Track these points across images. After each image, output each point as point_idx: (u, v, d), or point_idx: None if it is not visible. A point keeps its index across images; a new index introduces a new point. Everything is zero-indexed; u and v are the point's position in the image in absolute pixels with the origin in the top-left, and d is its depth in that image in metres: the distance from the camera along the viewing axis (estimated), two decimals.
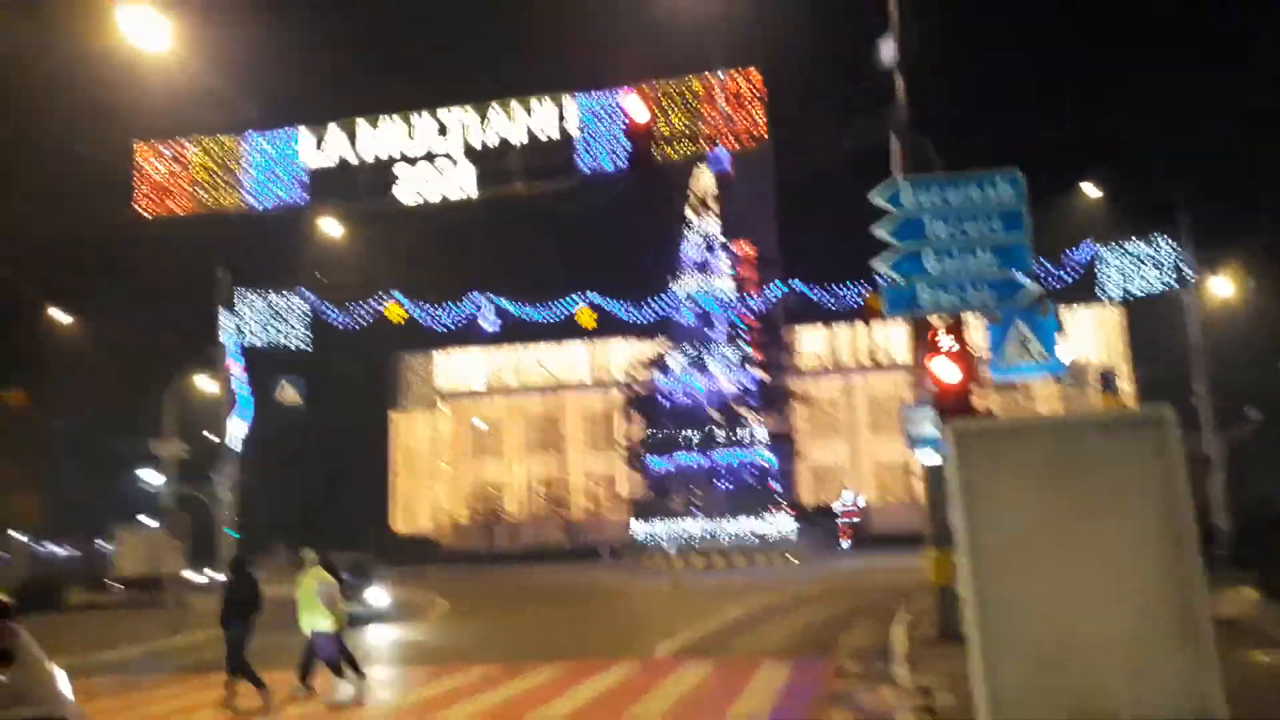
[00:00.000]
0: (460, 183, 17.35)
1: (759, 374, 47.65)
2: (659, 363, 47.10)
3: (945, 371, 10.84)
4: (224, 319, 30.52)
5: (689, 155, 17.19)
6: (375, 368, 69.71)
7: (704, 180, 47.88)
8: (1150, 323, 45.57)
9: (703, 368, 45.57)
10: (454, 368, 70.87)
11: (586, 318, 32.49)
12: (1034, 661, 6.07)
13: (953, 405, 10.66)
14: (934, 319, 11.61)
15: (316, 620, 12.48)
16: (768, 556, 40.92)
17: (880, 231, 11.31)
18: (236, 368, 36.82)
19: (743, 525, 42.85)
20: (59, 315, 42.98)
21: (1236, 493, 27.72)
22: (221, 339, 30.51)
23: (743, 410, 45.96)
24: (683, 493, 45.54)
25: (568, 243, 72.82)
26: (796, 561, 40.58)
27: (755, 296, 49.44)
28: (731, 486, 44.22)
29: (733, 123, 16.96)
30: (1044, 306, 11.04)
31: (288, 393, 31.86)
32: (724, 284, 46.74)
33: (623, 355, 61.02)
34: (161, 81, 20.52)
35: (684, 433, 44.74)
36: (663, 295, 45.20)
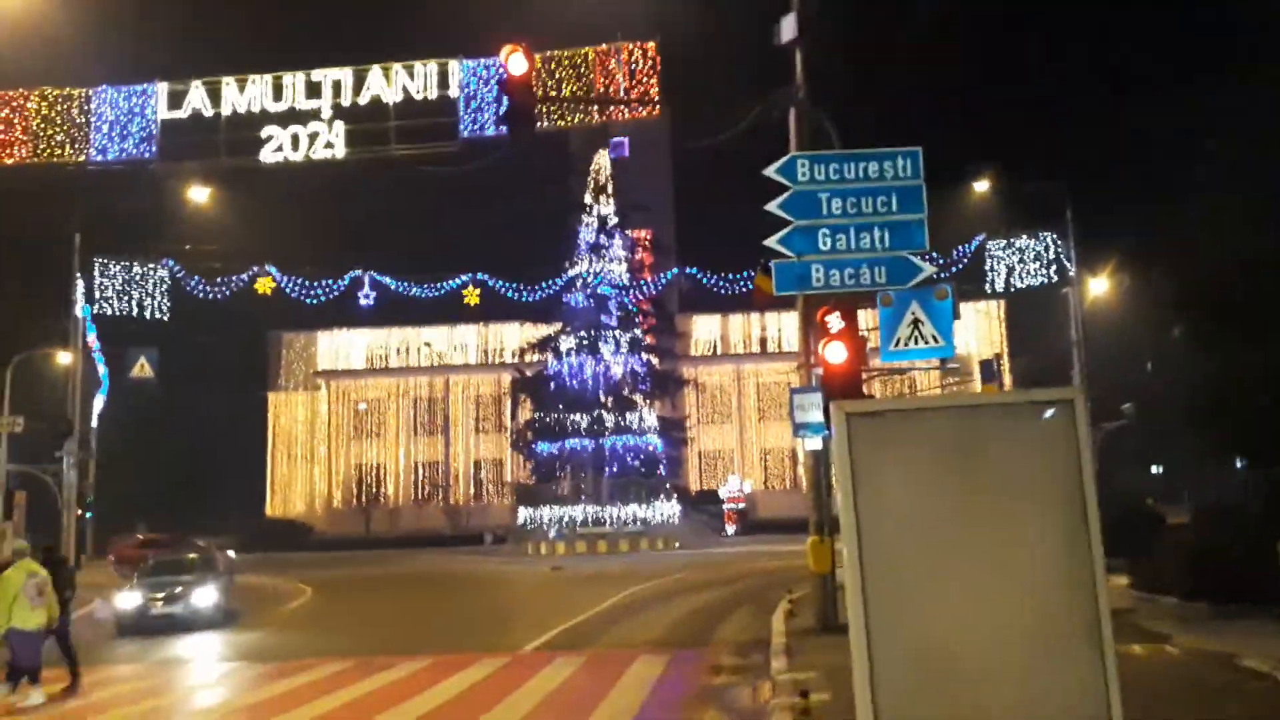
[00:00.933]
0: (330, 144, 16.17)
1: (650, 359, 47.14)
2: (549, 346, 46.15)
3: (834, 353, 10.35)
4: (79, 288, 28.42)
5: (578, 125, 16.38)
6: (251, 345, 66.86)
7: (600, 162, 47.09)
8: (1029, 317, 46.89)
9: (594, 352, 44.81)
10: (335, 347, 68.46)
11: (470, 295, 31.43)
12: (921, 661, 5.54)
13: (841, 388, 10.18)
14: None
15: (18, 617, 11.34)
16: (651, 542, 40.55)
17: (774, 206, 10.79)
18: (91, 339, 34.48)
19: (628, 511, 42.32)
20: None
21: (1107, 484, 28.47)
22: (76, 310, 28.34)
23: (633, 395, 45.41)
24: (569, 477, 44.79)
25: (455, 220, 71.04)
26: (678, 546, 40.35)
27: (649, 281, 48.92)
28: (619, 472, 43.64)
29: (625, 93, 16.25)
30: (940, 290, 10.66)
31: (143, 368, 29.93)
32: (618, 268, 46.05)
33: (514, 338, 59.87)
34: (10, 28, 18.69)
35: (572, 417, 43.90)
36: (555, 278, 44.24)
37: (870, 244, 10.47)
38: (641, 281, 46.94)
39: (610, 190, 46.64)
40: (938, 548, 5.60)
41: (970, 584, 5.55)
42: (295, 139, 16.26)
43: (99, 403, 58.40)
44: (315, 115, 16.32)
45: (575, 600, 21.17)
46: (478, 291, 31.23)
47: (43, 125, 16.53)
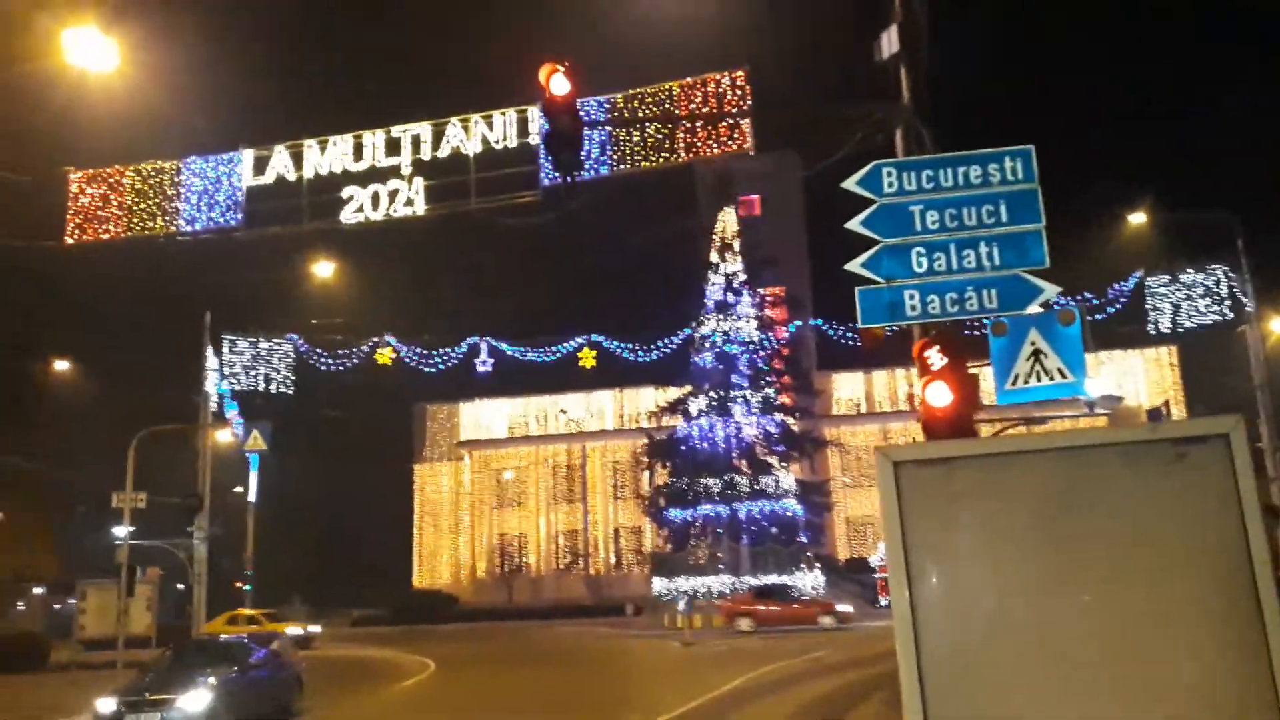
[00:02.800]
0: (410, 201, 15.62)
1: (785, 419, 45.15)
2: (678, 408, 44.86)
3: (936, 395, 8.63)
4: (210, 364, 29.07)
5: (666, 164, 15.31)
6: (393, 417, 68.35)
7: (725, 219, 46.08)
8: (1207, 362, 42.66)
9: (724, 413, 43.23)
10: (476, 417, 69.20)
11: (588, 358, 30.66)
12: None
13: (947, 438, 8.43)
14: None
15: None
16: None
17: (856, 224, 9.22)
18: (232, 415, 35.38)
19: (768, 581, 40.08)
20: (56, 364, 42.10)
21: None
22: (207, 385, 28.94)
23: (767, 458, 43.46)
24: (705, 545, 43.02)
25: (569, 279, 70.94)
26: (831, 621, 37.76)
27: (781, 339, 47.14)
28: (756, 539, 41.59)
29: (714, 129, 15.10)
30: (1065, 314, 8.83)
31: (257, 441, 30.37)
32: (746, 326, 44.51)
33: (649, 402, 58.96)
34: (106, 105, 19.21)
35: (704, 481, 42.28)
36: (672, 336, 43.01)
37: (976, 263, 8.74)
38: (766, 338, 45.12)
39: (737, 248, 45.43)
40: (1031, 645, 3.94)
41: (1081, 697, 3.86)
42: (375, 198, 15.86)
43: (253, 479, 60.56)
44: (395, 173, 15.91)
45: (694, 682, 19.51)
46: (594, 354, 30.45)
47: (136, 200, 16.70)
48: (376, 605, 60.03)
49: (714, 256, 45.07)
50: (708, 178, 53.72)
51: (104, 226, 16.71)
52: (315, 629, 40.71)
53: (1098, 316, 31.27)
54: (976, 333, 10.32)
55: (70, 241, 16.74)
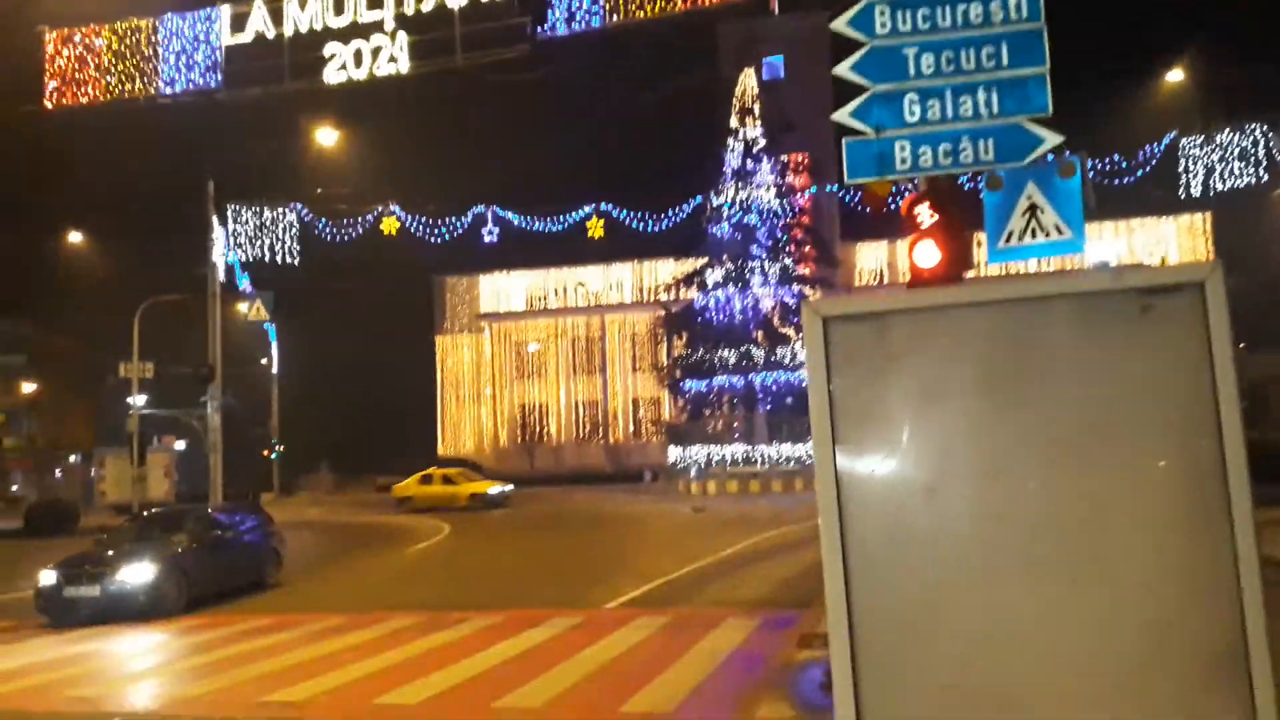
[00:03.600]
0: (394, 59, 14.86)
1: (803, 290, 44.46)
2: (694, 280, 44.27)
3: (924, 255, 8.12)
4: (216, 234, 28.71)
5: (663, 14, 14.41)
6: (413, 289, 68.37)
7: (746, 83, 44.34)
8: (1240, 228, 41.31)
9: (741, 285, 42.60)
10: (495, 289, 68.98)
11: (596, 228, 29.95)
12: (954, 710, 3.56)
13: None
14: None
15: None
16: (807, 482, 38.40)
17: (844, 69, 8.55)
18: (245, 287, 35.25)
19: (783, 449, 40.28)
20: (72, 238, 42.01)
21: None
22: (212, 256, 28.65)
23: (787, 330, 43.00)
24: (720, 415, 43.11)
25: (582, 145, 69.24)
26: None
27: (798, 207, 45.95)
28: (772, 409, 41.57)
29: None
30: (1066, 165, 8.20)
31: (259, 311, 30.25)
32: (766, 194, 43.31)
33: (668, 274, 58.39)
34: None
35: (722, 354, 42.05)
36: (682, 205, 41.92)
37: (973, 110, 8.09)
38: (786, 206, 43.92)
39: (757, 113, 43.83)
40: (971, 524, 3.56)
41: (1025, 576, 3.51)
42: (358, 55, 15.10)
43: (274, 351, 61.18)
44: (378, 27, 15.07)
45: (699, 546, 19.67)
46: (602, 223, 29.74)
47: (114, 60, 16.04)
48: (402, 473, 61.35)
49: (733, 121, 43.60)
50: (731, 38, 51.69)
51: (83, 90, 16.11)
52: (509, 487, 39.83)
53: (1128, 180, 30.09)
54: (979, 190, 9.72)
55: (50, 106, 16.20)
